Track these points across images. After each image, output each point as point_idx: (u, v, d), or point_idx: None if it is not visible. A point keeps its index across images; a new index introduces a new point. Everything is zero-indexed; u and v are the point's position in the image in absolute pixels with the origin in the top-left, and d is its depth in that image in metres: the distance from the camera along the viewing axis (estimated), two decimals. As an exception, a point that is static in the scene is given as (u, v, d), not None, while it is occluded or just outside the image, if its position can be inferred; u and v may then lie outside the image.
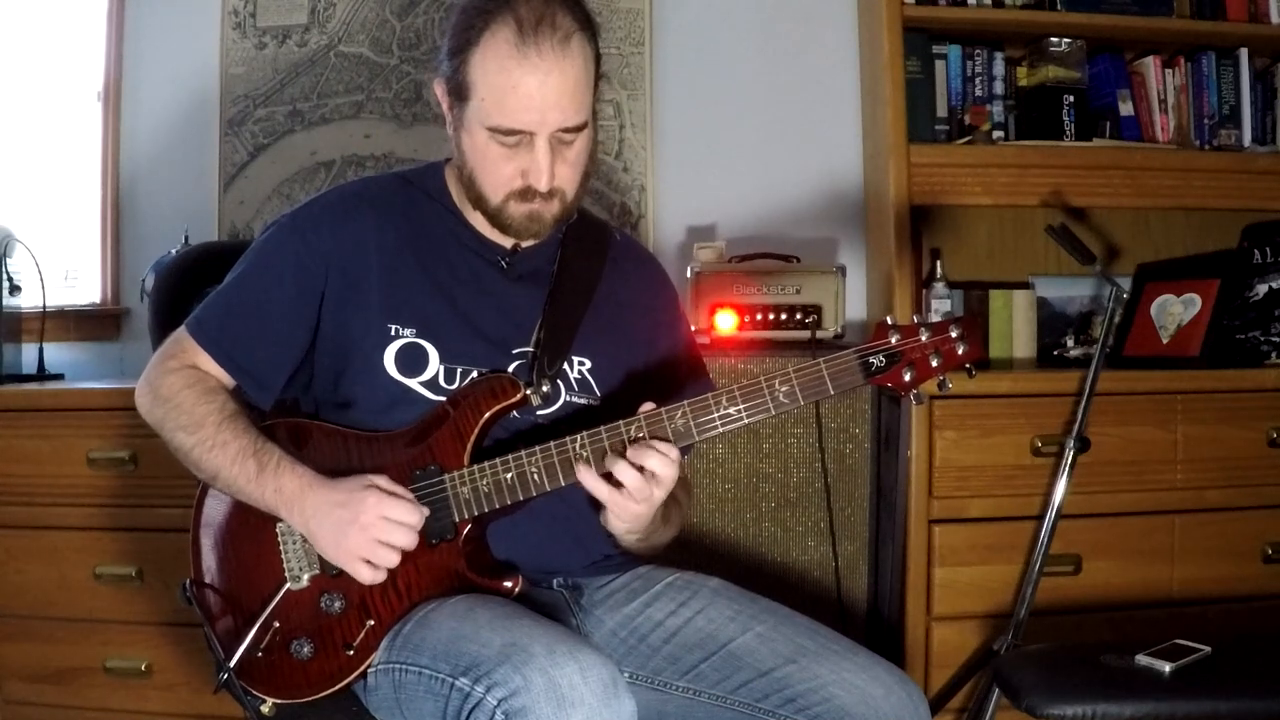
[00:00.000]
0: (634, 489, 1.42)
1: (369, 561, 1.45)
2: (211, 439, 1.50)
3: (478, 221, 1.62)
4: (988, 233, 2.91)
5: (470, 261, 1.61)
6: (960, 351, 1.45)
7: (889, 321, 1.45)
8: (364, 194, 1.63)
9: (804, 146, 2.94)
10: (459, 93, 1.52)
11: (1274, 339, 2.56)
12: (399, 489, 1.47)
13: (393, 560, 1.45)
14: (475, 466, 1.48)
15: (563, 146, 1.52)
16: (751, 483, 2.43)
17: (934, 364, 1.45)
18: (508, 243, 1.62)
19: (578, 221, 1.69)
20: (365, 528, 1.43)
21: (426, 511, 1.47)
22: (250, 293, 1.58)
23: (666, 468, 1.43)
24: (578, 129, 1.51)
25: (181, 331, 1.59)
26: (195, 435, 1.51)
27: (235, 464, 1.48)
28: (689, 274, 2.52)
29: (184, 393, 1.53)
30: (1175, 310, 2.63)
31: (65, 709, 2.43)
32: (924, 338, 1.44)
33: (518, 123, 1.47)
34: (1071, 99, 2.72)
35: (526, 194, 1.53)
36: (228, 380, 1.58)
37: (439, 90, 1.57)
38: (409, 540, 1.45)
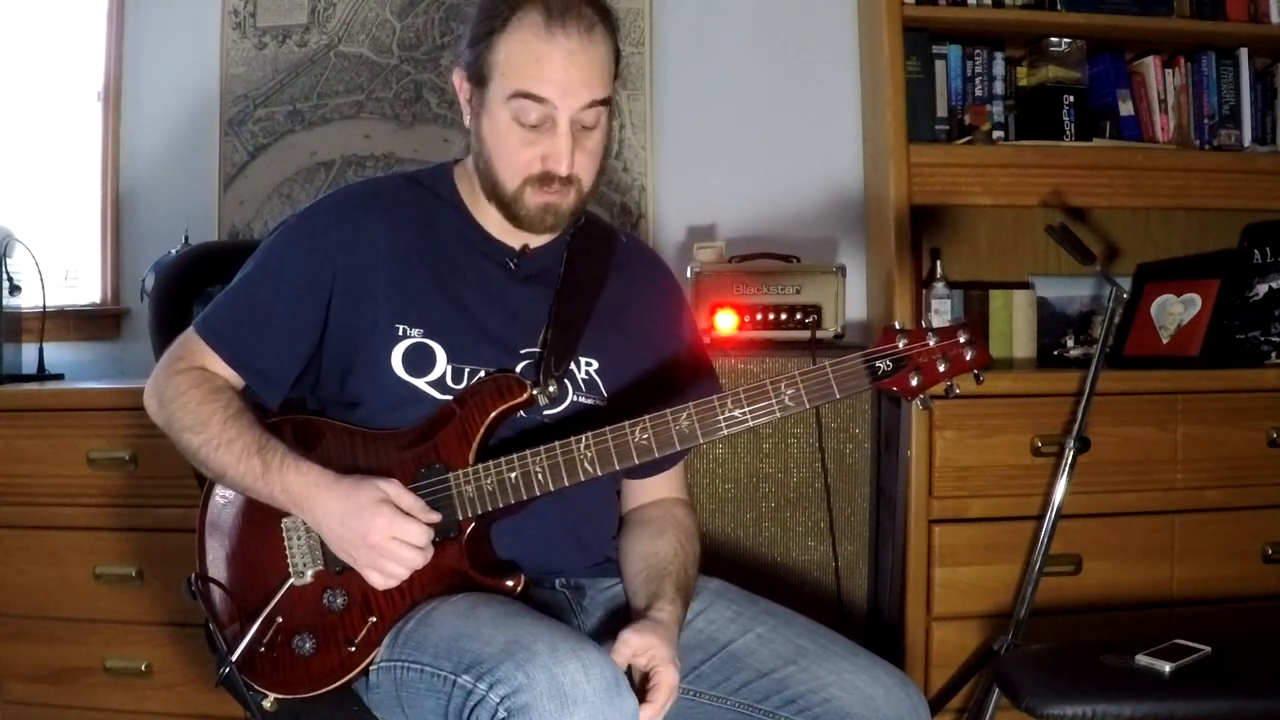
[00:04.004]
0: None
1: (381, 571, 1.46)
2: (217, 438, 1.50)
3: (486, 222, 1.63)
4: (988, 233, 2.91)
5: (478, 262, 1.61)
6: (968, 357, 1.45)
7: (896, 326, 1.45)
8: (372, 194, 1.63)
9: (804, 146, 2.95)
10: (480, 76, 1.52)
11: (1274, 339, 2.57)
12: (411, 502, 1.46)
13: (403, 575, 1.46)
14: (480, 465, 1.48)
15: (583, 135, 1.52)
16: (752, 483, 2.43)
17: (941, 369, 1.45)
18: (516, 243, 1.63)
19: (585, 224, 1.69)
20: (374, 547, 1.43)
21: (438, 518, 1.47)
22: (258, 292, 1.58)
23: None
24: (602, 103, 1.51)
25: (189, 332, 1.60)
26: (201, 435, 1.51)
27: (241, 462, 1.48)
28: (689, 274, 2.52)
29: (189, 393, 1.54)
30: (1175, 310, 2.63)
31: (65, 709, 2.43)
32: (932, 343, 1.44)
33: (541, 91, 1.47)
34: (1071, 99, 2.72)
35: (545, 180, 1.52)
36: (236, 380, 1.58)
37: (458, 80, 1.58)
38: (419, 561, 1.45)
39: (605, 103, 1.53)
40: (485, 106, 1.53)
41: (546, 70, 1.47)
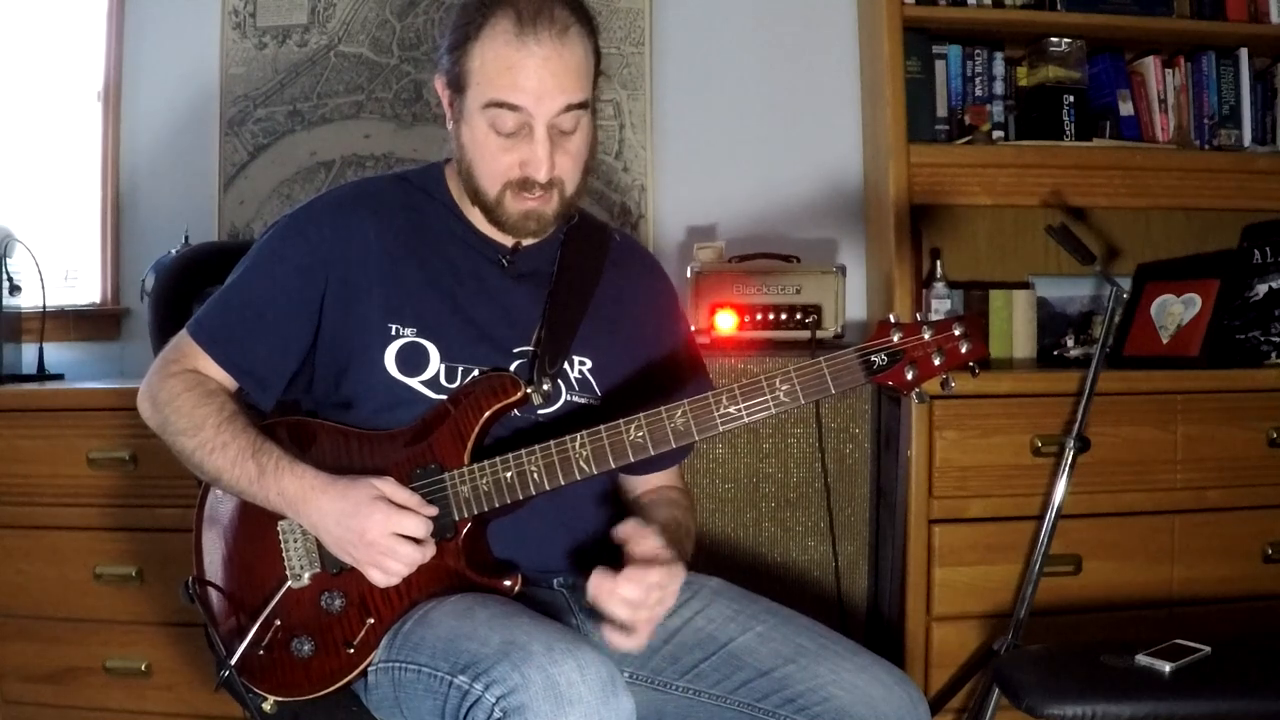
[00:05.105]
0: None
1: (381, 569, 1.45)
2: (211, 441, 1.50)
3: (478, 220, 1.62)
4: (988, 233, 2.91)
5: (471, 260, 1.61)
6: (964, 350, 1.44)
7: (891, 320, 1.45)
8: (364, 194, 1.63)
9: (804, 146, 2.95)
10: (457, 84, 1.52)
11: (1274, 339, 2.56)
12: (407, 497, 1.46)
13: (404, 571, 1.45)
14: (475, 465, 1.48)
15: (563, 138, 1.52)
16: (751, 483, 2.43)
17: (937, 362, 1.44)
18: (508, 241, 1.62)
19: (578, 222, 1.69)
20: (373, 544, 1.43)
21: (435, 511, 1.47)
22: (251, 294, 1.58)
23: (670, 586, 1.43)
24: (579, 106, 1.51)
25: (182, 334, 1.59)
26: (195, 438, 1.51)
27: (236, 466, 1.48)
28: (689, 274, 2.52)
29: (183, 396, 1.53)
30: (1175, 310, 2.63)
31: (65, 709, 2.43)
32: (926, 336, 1.44)
33: (515, 99, 1.47)
34: (1071, 99, 2.72)
35: (525, 185, 1.52)
36: (229, 382, 1.58)
37: (439, 86, 1.58)
38: (419, 557, 1.45)
39: (583, 106, 1.52)
40: (464, 114, 1.53)
41: (519, 78, 1.47)
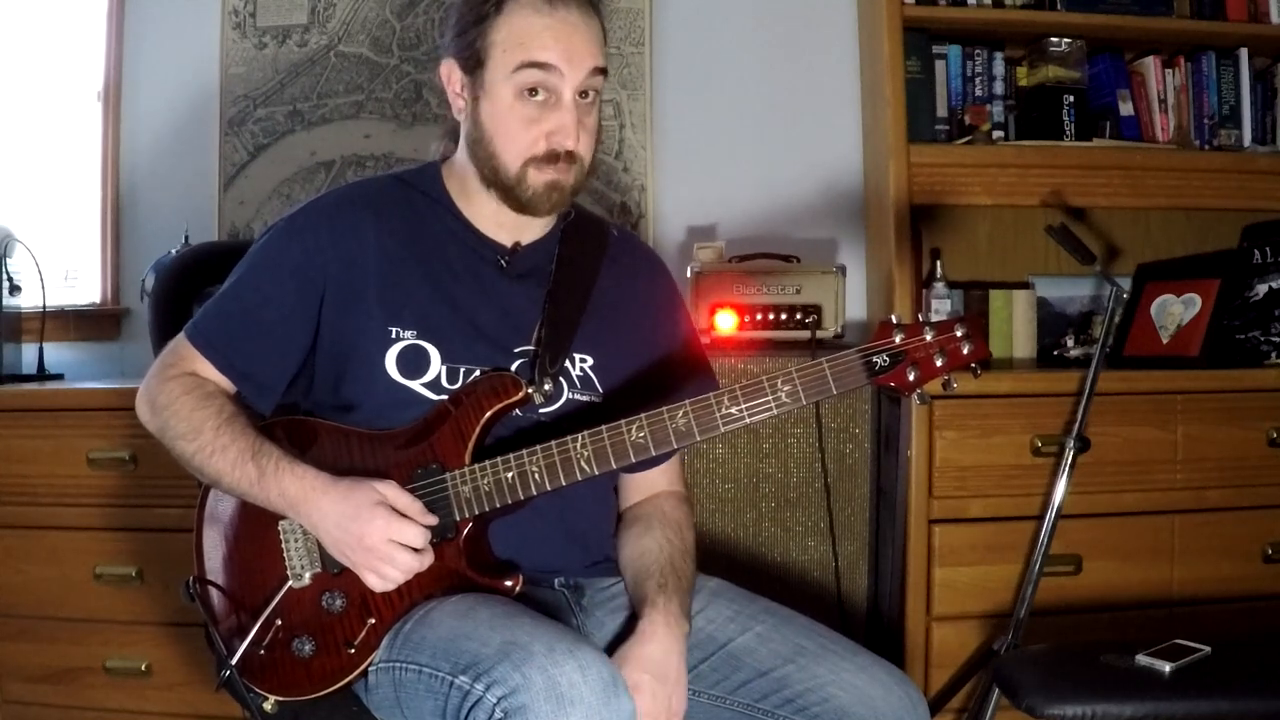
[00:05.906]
0: None
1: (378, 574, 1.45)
2: (210, 444, 1.49)
3: (477, 219, 1.62)
4: (988, 233, 2.91)
5: (469, 261, 1.61)
6: (966, 351, 1.44)
7: (893, 320, 1.44)
8: (361, 196, 1.62)
9: (804, 146, 2.95)
10: (476, 60, 1.53)
11: (1274, 339, 2.56)
12: (408, 504, 1.45)
13: (400, 578, 1.45)
14: (476, 465, 1.48)
15: (582, 111, 1.53)
16: (751, 483, 2.43)
17: (939, 363, 1.44)
18: (508, 241, 1.62)
19: (576, 218, 1.69)
20: (371, 550, 1.43)
21: (435, 520, 1.47)
22: (248, 297, 1.57)
23: None
24: (603, 72, 1.54)
25: (180, 338, 1.59)
26: (194, 442, 1.50)
27: (236, 468, 1.48)
28: (689, 274, 2.52)
29: (181, 399, 1.53)
30: (1175, 310, 2.63)
31: (65, 709, 2.43)
32: (928, 337, 1.43)
33: (548, 58, 1.49)
34: (1071, 99, 2.72)
35: (549, 158, 1.53)
36: (228, 386, 1.57)
37: (446, 70, 1.58)
38: (417, 565, 1.45)
39: (605, 72, 1.55)
40: (485, 89, 1.53)
41: (551, 40, 1.49)
